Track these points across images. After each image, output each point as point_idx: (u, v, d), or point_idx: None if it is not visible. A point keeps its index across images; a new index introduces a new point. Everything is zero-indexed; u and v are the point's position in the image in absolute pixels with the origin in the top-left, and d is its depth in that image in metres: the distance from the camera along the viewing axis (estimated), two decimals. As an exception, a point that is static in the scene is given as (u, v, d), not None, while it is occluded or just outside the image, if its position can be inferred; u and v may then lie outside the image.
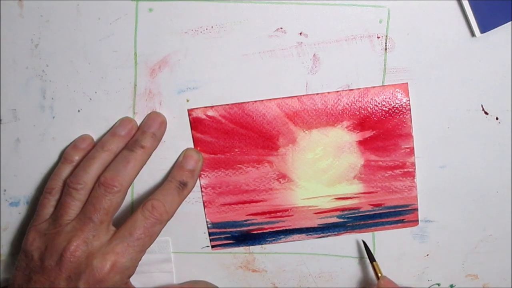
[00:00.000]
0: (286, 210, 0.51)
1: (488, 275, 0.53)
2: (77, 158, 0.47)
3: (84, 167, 0.46)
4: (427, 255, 0.52)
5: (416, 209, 0.51)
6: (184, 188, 0.47)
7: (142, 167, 0.47)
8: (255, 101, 0.48)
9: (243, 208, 0.51)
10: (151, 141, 0.47)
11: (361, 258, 0.52)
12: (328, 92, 0.48)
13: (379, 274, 0.50)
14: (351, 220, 0.51)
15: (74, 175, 0.46)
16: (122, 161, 0.46)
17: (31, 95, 0.48)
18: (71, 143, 0.48)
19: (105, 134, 0.48)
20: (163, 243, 0.51)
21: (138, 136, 0.47)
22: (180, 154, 0.49)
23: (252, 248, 0.52)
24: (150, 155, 0.47)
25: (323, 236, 0.51)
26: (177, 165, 0.49)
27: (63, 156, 0.48)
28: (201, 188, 0.50)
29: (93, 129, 0.49)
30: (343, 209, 0.51)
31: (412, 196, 0.50)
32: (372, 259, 0.51)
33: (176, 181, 0.47)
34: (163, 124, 0.48)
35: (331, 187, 0.50)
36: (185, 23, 0.47)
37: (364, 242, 0.51)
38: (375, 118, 0.48)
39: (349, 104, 0.48)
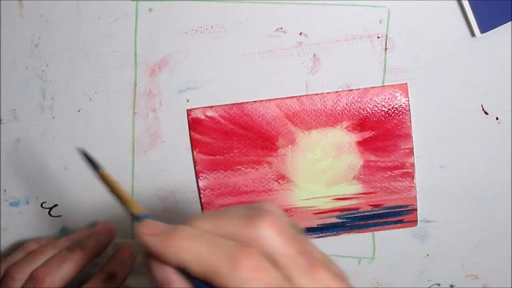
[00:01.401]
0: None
1: (488, 275, 0.53)
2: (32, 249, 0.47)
3: (28, 259, 0.45)
4: (427, 255, 0.52)
5: (415, 209, 0.51)
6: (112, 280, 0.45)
7: (80, 269, 0.44)
8: (255, 102, 0.48)
9: (243, 208, 0.50)
10: (94, 244, 0.45)
11: (361, 258, 0.52)
12: (328, 93, 0.48)
13: (129, 198, 0.33)
14: (350, 221, 0.51)
15: (16, 264, 0.45)
16: (58, 259, 0.44)
17: (31, 95, 0.48)
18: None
19: (104, 134, 0.48)
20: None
21: (83, 238, 0.46)
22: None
23: (252, 247, 0.52)
24: (91, 260, 0.45)
25: (322, 236, 0.51)
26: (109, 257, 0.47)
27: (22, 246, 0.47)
28: (199, 190, 0.50)
29: (93, 129, 0.49)
30: (342, 210, 0.51)
31: (411, 197, 0.50)
32: (96, 166, 0.35)
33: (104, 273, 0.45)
34: (111, 233, 0.46)
35: (330, 188, 0.50)
36: (185, 23, 0.47)
37: (81, 150, 0.36)
38: (374, 119, 0.48)
39: (349, 105, 0.48)
